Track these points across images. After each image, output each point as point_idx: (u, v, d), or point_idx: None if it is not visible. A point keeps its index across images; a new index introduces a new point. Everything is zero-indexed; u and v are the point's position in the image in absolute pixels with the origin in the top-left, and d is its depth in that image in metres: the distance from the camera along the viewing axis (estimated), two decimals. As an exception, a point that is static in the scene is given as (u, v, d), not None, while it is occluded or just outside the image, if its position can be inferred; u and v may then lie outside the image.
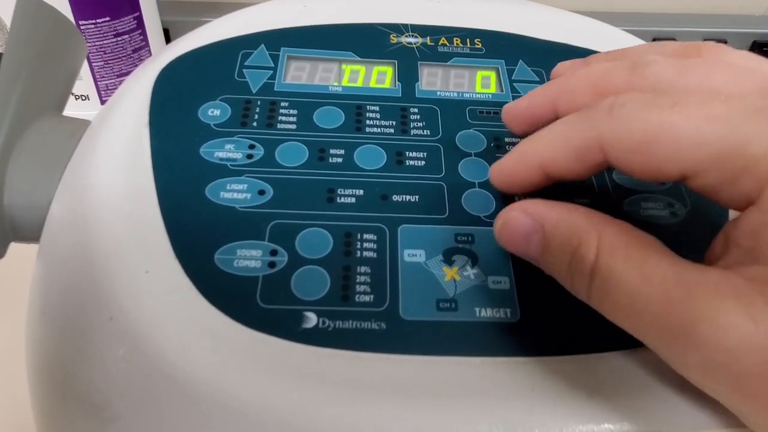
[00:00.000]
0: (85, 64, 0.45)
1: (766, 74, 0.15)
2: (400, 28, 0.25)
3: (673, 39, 0.61)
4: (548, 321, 0.16)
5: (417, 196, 0.19)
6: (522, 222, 0.15)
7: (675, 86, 0.15)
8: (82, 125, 0.21)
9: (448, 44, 0.25)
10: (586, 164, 0.15)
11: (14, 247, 0.20)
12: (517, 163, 0.17)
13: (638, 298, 0.13)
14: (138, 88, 0.22)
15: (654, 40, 0.60)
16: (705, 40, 0.62)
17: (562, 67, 0.20)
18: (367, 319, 0.16)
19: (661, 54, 0.17)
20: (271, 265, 0.17)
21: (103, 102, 0.47)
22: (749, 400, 0.12)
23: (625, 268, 0.13)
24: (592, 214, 0.14)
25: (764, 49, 0.63)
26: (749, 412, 0.13)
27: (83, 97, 0.46)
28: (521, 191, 0.18)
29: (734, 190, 0.13)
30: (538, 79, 0.23)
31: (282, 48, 0.23)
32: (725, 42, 0.62)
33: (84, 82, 0.45)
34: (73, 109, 0.41)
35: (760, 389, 0.12)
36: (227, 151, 0.20)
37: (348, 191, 0.19)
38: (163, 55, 0.23)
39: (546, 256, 0.15)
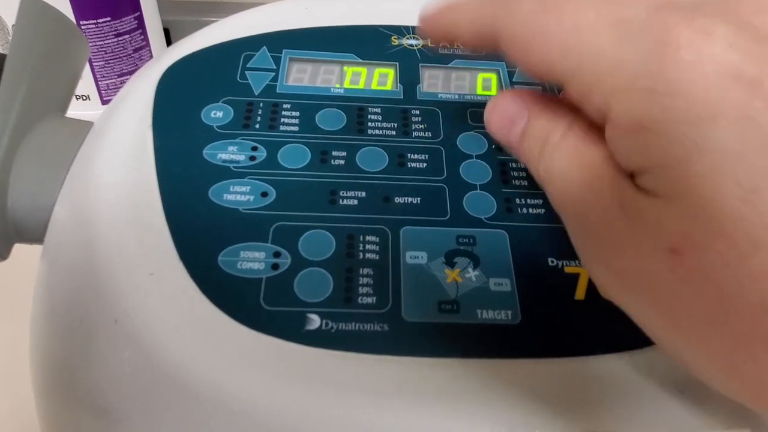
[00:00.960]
0: (86, 64, 0.45)
1: None
2: (401, 30, 0.25)
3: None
4: (549, 323, 0.16)
5: (419, 198, 0.19)
6: (510, 106, 0.16)
7: None
8: (85, 127, 0.21)
9: (448, 46, 0.25)
10: (486, 46, 0.16)
11: (17, 249, 0.20)
12: (434, 18, 0.17)
13: (565, 180, 0.14)
14: (141, 90, 0.22)
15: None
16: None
17: None
18: (370, 320, 0.16)
19: None
20: (275, 267, 0.17)
21: (104, 102, 0.47)
22: (631, 295, 0.13)
23: (571, 151, 0.14)
24: (574, 106, 0.14)
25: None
26: (634, 311, 0.13)
27: (84, 97, 0.47)
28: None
29: (590, 106, 0.13)
30: (538, 81, 0.24)
31: (284, 50, 0.24)
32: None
33: (85, 82, 0.46)
34: (74, 108, 0.41)
35: (644, 285, 0.12)
36: (230, 153, 0.20)
37: (350, 193, 0.19)
38: (165, 57, 0.23)
39: (523, 142, 0.15)
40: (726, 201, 0.11)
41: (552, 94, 0.15)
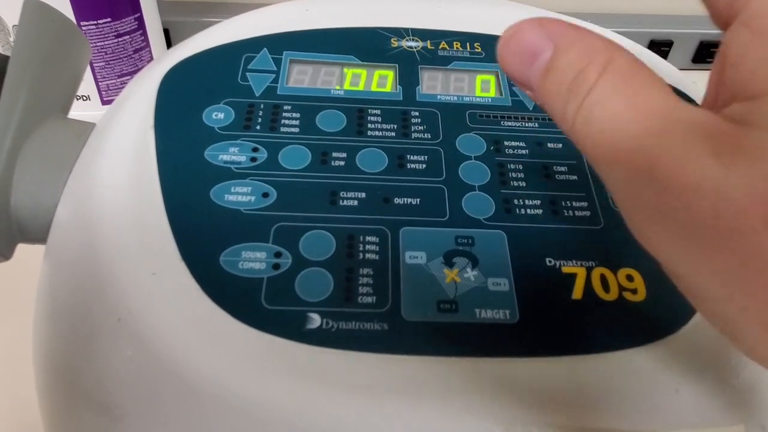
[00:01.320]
0: (88, 65, 0.45)
1: None
2: (401, 32, 0.25)
3: (671, 41, 0.62)
4: (547, 322, 0.17)
5: (418, 199, 0.19)
6: (531, 36, 0.13)
7: None
8: (87, 128, 0.21)
9: (448, 48, 0.25)
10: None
11: (20, 249, 0.20)
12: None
13: (617, 125, 0.11)
14: (143, 91, 0.22)
15: (651, 41, 0.61)
16: (701, 42, 0.62)
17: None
18: (370, 320, 0.16)
19: None
20: (276, 266, 0.17)
21: (104, 102, 0.47)
22: (692, 254, 0.11)
23: (616, 91, 0.12)
24: (609, 40, 0.13)
25: (760, 50, 0.63)
26: (688, 271, 0.11)
27: (84, 98, 0.47)
28: None
29: None
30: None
31: (284, 52, 0.24)
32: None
33: (85, 83, 0.46)
34: (74, 109, 0.41)
35: (708, 240, 0.10)
36: (231, 154, 0.20)
37: (350, 194, 0.19)
38: (166, 59, 0.23)
39: (549, 77, 0.13)
40: None
41: (582, 26, 0.13)
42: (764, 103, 0.11)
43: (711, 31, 0.62)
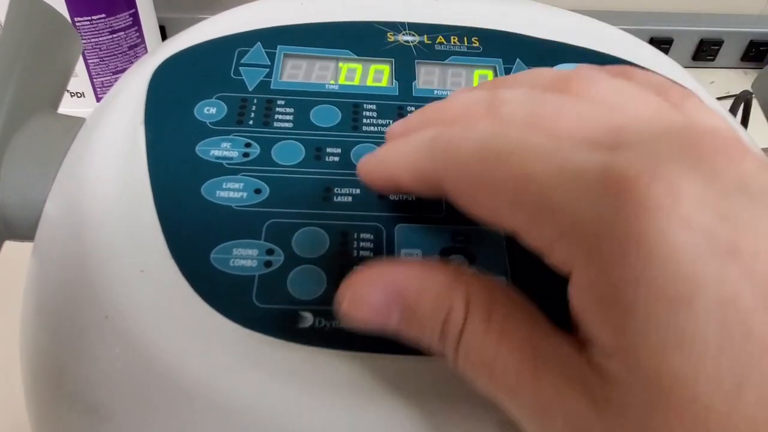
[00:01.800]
0: (81, 61, 0.44)
1: (629, 113, 0.13)
2: (397, 27, 0.25)
3: (671, 39, 0.62)
4: (545, 321, 0.16)
5: (413, 196, 0.19)
6: (376, 298, 0.13)
7: None
8: (77, 123, 0.21)
9: (445, 43, 0.25)
10: (434, 191, 0.14)
11: (8, 246, 0.20)
12: (374, 169, 0.16)
13: (494, 366, 0.12)
14: (133, 86, 0.21)
15: (651, 39, 0.61)
16: (702, 39, 0.62)
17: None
18: (364, 318, 0.16)
19: (530, 86, 0.15)
20: (267, 264, 0.17)
21: (98, 99, 0.47)
22: None
23: (487, 331, 0.12)
24: (456, 271, 0.13)
25: (761, 48, 0.63)
26: None
27: (78, 95, 0.46)
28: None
29: (551, 260, 0.12)
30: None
31: (278, 46, 0.23)
32: (721, 42, 0.62)
33: (79, 79, 0.45)
34: (68, 106, 0.41)
35: None
36: (223, 150, 0.19)
37: (345, 190, 0.19)
38: (158, 53, 0.23)
39: (411, 329, 0.13)
40: (707, 398, 0.09)
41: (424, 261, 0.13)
42: (620, 361, 0.10)
43: (711, 29, 0.62)
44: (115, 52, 0.45)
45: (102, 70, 0.45)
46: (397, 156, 0.15)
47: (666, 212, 0.10)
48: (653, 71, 0.15)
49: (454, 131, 0.14)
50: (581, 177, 0.11)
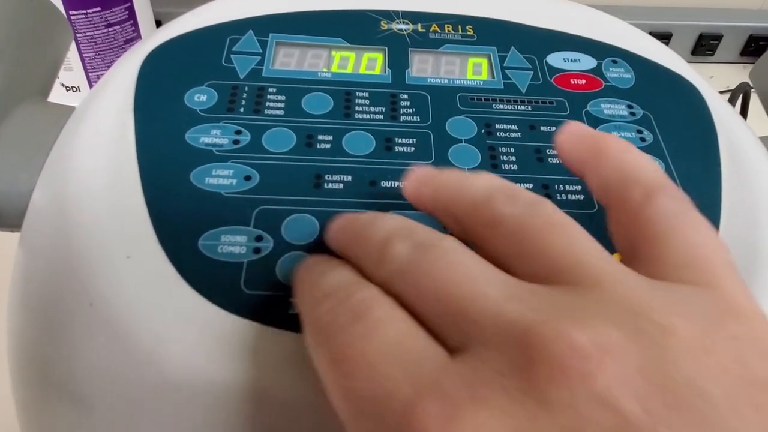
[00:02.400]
0: (76, 55, 0.44)
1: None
2: (390, 15, 0.25)
3: (670, 33, 0.61)
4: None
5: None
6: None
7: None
8: (66, 111, 0.21)
9: (439, 31, 0.24)
10: None
11: (-4, 235, 0.20)
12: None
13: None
14: (123, 74, 0.21)
15: (651, 33, 0.60)
16: (701, 34, 0.62)
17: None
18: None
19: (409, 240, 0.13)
20: (257, 251, 0.17)
21: (94, 93, 0.46)
22: None
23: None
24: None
25: (761, 43, 0.63)
26: None
27: (74, 89, 0.46)
28: None
29: None
30: (530, 66, 0.23)
31: (271, 34, 0.23)
32: (720, 37, 0.62)
33: (75, 73, 0.45)
34: (64, 100, 0.41)
35: None
36: (213, 137, 0.19)
37: (336, 177, 0.18)
38: (149, 41, 0.22)
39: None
40: None
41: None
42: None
43: (710, 23, 0.61)
44: (111, 46, 0.45)
45: (97, 64, 0.45)
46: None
47: None
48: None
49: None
50: (385, 415, 0.10)
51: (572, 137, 0.15)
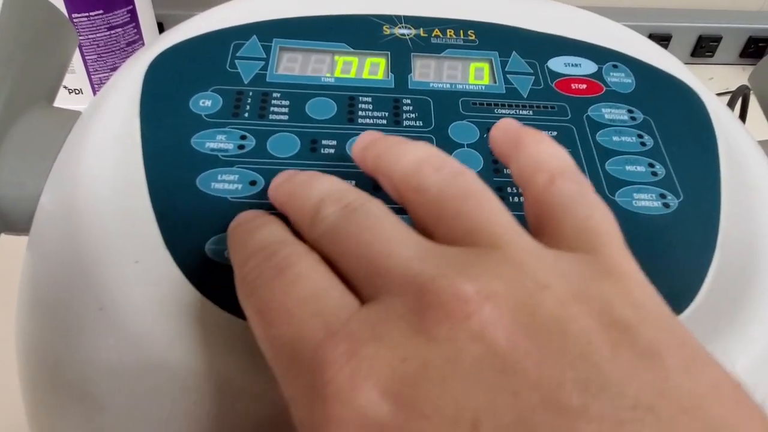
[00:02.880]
0: (79, 57, 0.44)
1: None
2: (393, 20, 0.25)
3: (670, 35, 0.62)
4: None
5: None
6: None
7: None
8: (72, 116, 0.21)
9: (441, 36, 0.25)
10: None
11: (4, 239, 0.20)
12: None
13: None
14: (129, 79, 0.21)
15: (650, 35, 0.61)
16: (701, 35, 0.62)
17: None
18: (358, 309, 0.16)
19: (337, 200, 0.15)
20: (262, 255, 0.17)
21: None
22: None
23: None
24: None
25: (760, 44, 0.63)
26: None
27: (76, 91, 0.46)
28: None
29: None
30: (531, 71, 0.23)
31: (274, 39, 0.23)
32: (720, 38, 0.62)
33: (77, 76, 0.45)
34: (66, 103, 0.41)
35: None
36: (219, 142, 0.19)
37: (340, 182, 0.19)
38: (154, 46, 0.23)
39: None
40: None
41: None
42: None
43: (710, 25, 0.62)
44: (113, 49, 0.45)
45: (100, 67, 0.45)
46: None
47: (343, 399, 0.11)
48: None
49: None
50: (297, 356, 0.12)
51: (500, 132, 0.17)
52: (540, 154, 0.15)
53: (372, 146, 0.16)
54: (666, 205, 0.19)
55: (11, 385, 0.19)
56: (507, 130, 0.17)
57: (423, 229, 0.14)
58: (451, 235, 0.13)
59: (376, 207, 0.14)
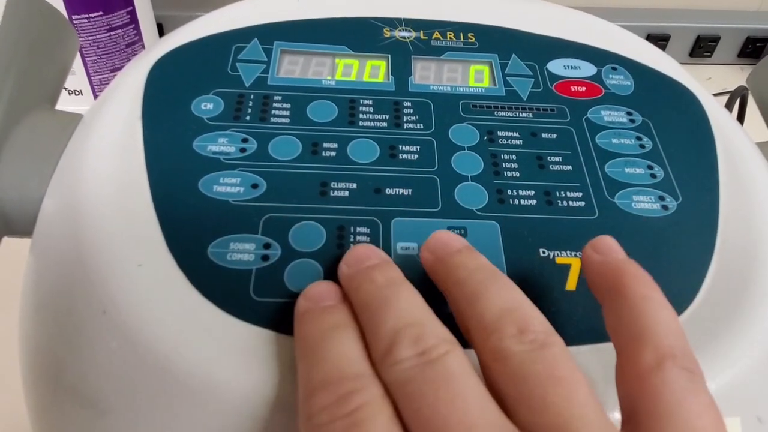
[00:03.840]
0: (79, 59, 0.44)
1: None
2: (393, 23, 0.25)
3: (668, 35, 0.62)
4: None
5: (410, 190, 0.19)
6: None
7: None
8: (74, 119, 0.21)
9: (441, 38, 0.25)
10: None
11: (7, 242, 0.20)
12: None
13: None
14: (131, 82, 0.22)
15: (648, 35, 0.61)
16: (699, 36, 0.62)
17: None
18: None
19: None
20: (265, 258, 0.17)
21: (96, 97, 0.47)
22: None
23: None
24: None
25: (758, 44, 0.63)
26: None
27: (77, 92, 0.46)
28: None
29: None
30: (531, 73, 0.23)
31: (275, 42, 0.23)
32: (718, 38, 0.62)
33: (77, 77, 0.45)
34: (66, 104, 0.41)
35: None
36: (220, 145, 0.20)
37: (341, 185, 0.19)
38: (155, 49, 0.23)
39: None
40: None
41: None
42: None
43: (708, 25, 0.62)
44: (113, 50, 0.45)
45: (100, 68, 0.45)
46: None
47: None
48: None
49: None
50: None
51: (594, 265, 0.15)
52: (646, 318, 0.13)
53: (446, 268, 0.15)
54: (665, 207, 0.19)
55: (14, 387, 0.19)
56: (604, 265, 0.15)
57: (498, 392, 0.13)
58: (530, 425, 0.12)
59: (455, 361, 0.13)
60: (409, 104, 0.22)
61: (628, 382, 0.13)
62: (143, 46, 0.47)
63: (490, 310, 0.14)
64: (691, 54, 0.64)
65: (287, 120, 0.21)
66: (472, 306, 0.14)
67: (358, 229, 0.18)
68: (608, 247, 0.15)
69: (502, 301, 0.14)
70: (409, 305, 0.14)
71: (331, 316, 0.15)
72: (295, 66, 0.23)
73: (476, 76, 0.23)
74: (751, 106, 0.33)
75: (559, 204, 0.19)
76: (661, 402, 0.12)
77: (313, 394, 0.13)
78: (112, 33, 0.44)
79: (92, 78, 0.46)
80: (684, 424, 0.12)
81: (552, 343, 0.13)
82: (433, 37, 0.25)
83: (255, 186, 0.19)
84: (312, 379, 0.13)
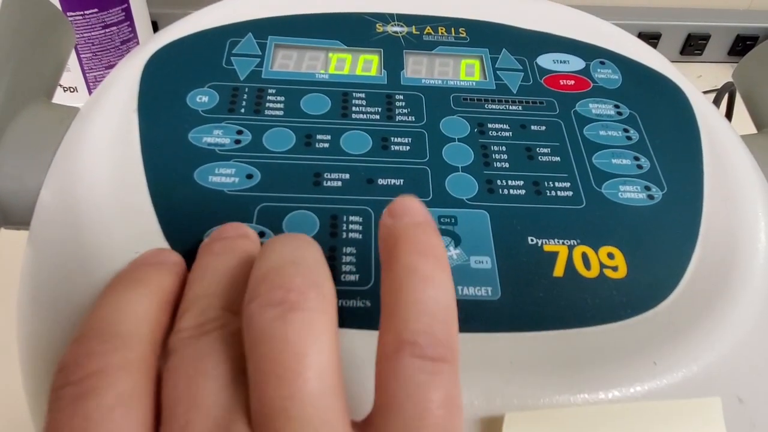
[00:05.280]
0: (74, 55, 0.45)
1: None
2: (386, 18, 0.25)
3: (659, 33, 0.62)
4: (527, 298, 0.17)
5: (402, 180, 0.19)
6: None
7: None
8: (71, 112, 0.21)
9: (433, 33, 0.25)
10: None
11: (4, 234, 0.20)
12: None
13: None
14: (127, 75, 0.22)
15: (639, 33, 0.61)
16: (690, 34, 0.63)
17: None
18: (353, 297, 0.16)
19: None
20: (259, 246, 0.17)
21: (91, 94, 0.47)
22: None
23: None
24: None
25: (748, 43, 0.64)
26: None
27: (72, 89, 0.46)
28: None
29: None
30: (521, 68, 0.24)
31: (269, 36, 0.24)
32: (708, 37, 0.63)
33: (72, 74, 0.45)
34: (61, 101, 0.41)
35: None
36: (215, 137, 0.20)
37: (334, 175, 0.19)
38: (151, 43, 0.23)
39: None
40: None
41: None
42: None
43: (699, 23, 0.63)
44: (108, 47, 0.45)
45: (95, 65, 0.46)
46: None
47: None
48: None
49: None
50: None
51: (382, 229, 0.13)
52: (406, 293, 0.12)
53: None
54: (650, 197, 0.20)
55: (13, 378, 0.19)
56: (388, 227, 0.13)
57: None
58: (255, 409, 0.11)
59: (221, 336, 0.12)
60: (401, 97, 0.22)
61: (377, 364, 0.12)
62: (138, 43, 0.48)
63: (260, 269, 0.13)
64: (682, 52, 0.64)
65: (281, 112, 0.21)
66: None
67: (351, 218, 0.18)
68: (403, 209, 0.13)
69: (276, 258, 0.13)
70: (217, 277, 0.14)
71: (156, 273, 0.14)
72: (289, 60, 0.23)
73: (467, 70, 0.24)
74: (740, 102, 0.34)
75: (548, 194, 0.20)
76: (387, 393, 0.11)
77: (62, 360, 0.12)
78: (107, 30, 0.45)
79: (87, 75, 0.46)
80: (404, 423, 0.11)
81: (307, 308, 0.11)
82: (424, 32, 0.25)
83: (250, 176, 0.19)
84: (80, 327, 0.12)
